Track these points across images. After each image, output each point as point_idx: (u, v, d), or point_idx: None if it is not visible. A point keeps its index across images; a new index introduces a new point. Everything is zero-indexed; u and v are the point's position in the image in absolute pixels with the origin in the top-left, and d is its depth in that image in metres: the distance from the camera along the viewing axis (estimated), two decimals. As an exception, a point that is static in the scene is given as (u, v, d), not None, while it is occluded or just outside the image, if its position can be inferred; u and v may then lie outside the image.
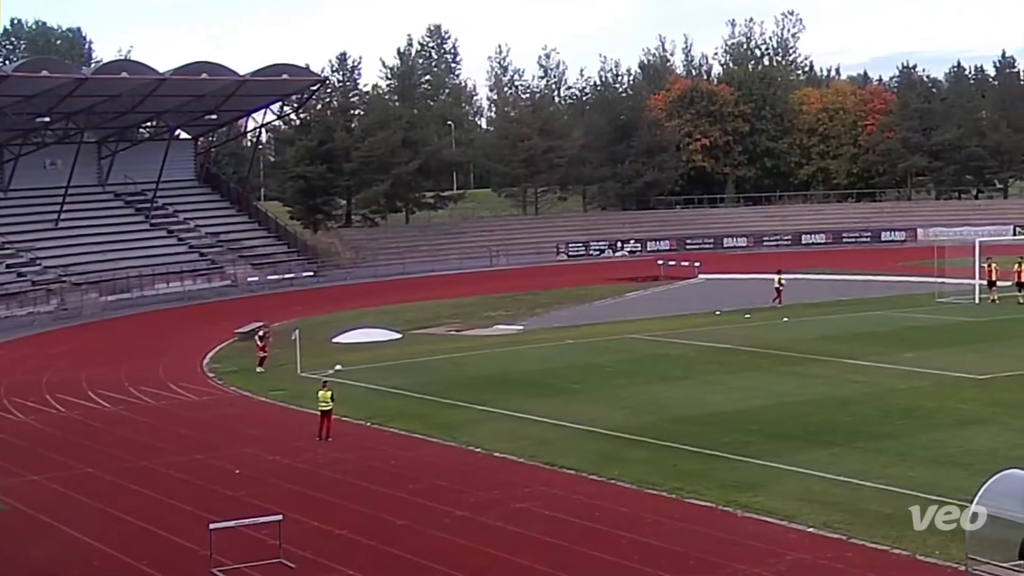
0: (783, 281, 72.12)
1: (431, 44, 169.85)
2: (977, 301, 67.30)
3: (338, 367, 52.53)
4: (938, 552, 25.44)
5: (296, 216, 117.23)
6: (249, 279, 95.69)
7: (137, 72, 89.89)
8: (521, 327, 66.46)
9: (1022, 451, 31.91)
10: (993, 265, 68.49)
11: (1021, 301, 65.06)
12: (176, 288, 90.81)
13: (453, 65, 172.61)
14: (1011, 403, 40.42)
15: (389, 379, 50.04)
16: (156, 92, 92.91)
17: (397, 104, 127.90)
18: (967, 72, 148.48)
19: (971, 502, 23.24)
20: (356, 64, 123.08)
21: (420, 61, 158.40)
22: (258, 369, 54.09)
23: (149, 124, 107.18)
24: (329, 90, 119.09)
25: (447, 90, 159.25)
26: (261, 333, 56.34)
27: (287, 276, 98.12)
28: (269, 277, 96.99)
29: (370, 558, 27.26)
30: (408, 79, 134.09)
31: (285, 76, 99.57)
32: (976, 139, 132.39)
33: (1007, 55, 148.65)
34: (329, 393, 39.59)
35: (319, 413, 39.75)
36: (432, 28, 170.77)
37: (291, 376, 51.69)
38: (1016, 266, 67.21)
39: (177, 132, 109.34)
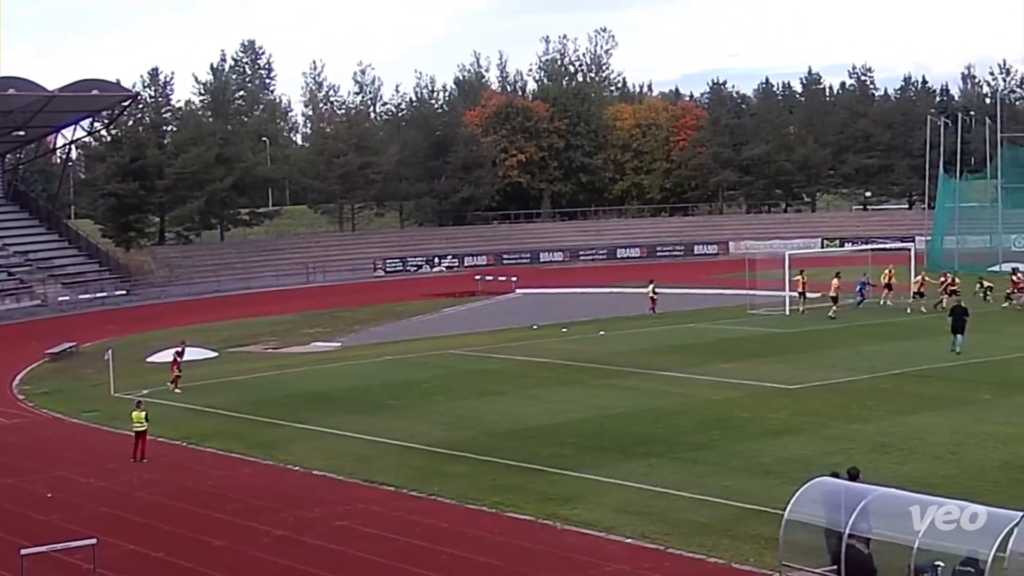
0: (656, 291, 73.60)
1: (245, 60, 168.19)
2: (788, 313, 68.71)
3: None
4: (753, 560, 25.93)
5: (108, 234, 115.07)
6: (60, 299, 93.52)
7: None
8: (339, 344, 66.13)
9: (832, 459, 32.58)
10: (804, 278, 69.90)
11: (832, 315, 66.34)
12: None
13: (267, 81, 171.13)
14: (820, 412, 41.35)
15: (205, 398, 49.37)
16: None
17: (211, 120, 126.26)
18: (775, 88, 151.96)
19: (784, 510, 23.71)
20: (168, 79, 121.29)
21: (234, 77, 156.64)
22: (175, 390, 51.09)
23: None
24: (141, 106, 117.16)
25: (261, 106, 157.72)
26: (180, 350, 54.03)
27: (99, 295, 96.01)
28: (80, 296, 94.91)
29: (188, 580, 26.90)
30: (222, 95, 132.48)
31: (95, 92, 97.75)
32: (784, 154, 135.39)
33: (813, 72, 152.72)
34: (143, 413, 38.89)
35: (134, 434, 39.07)
36: (246, 43, 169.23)
37: (104, 397, 50.68)
38: (834, 279, 68.28)
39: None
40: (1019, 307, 67.40)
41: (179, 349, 53.95)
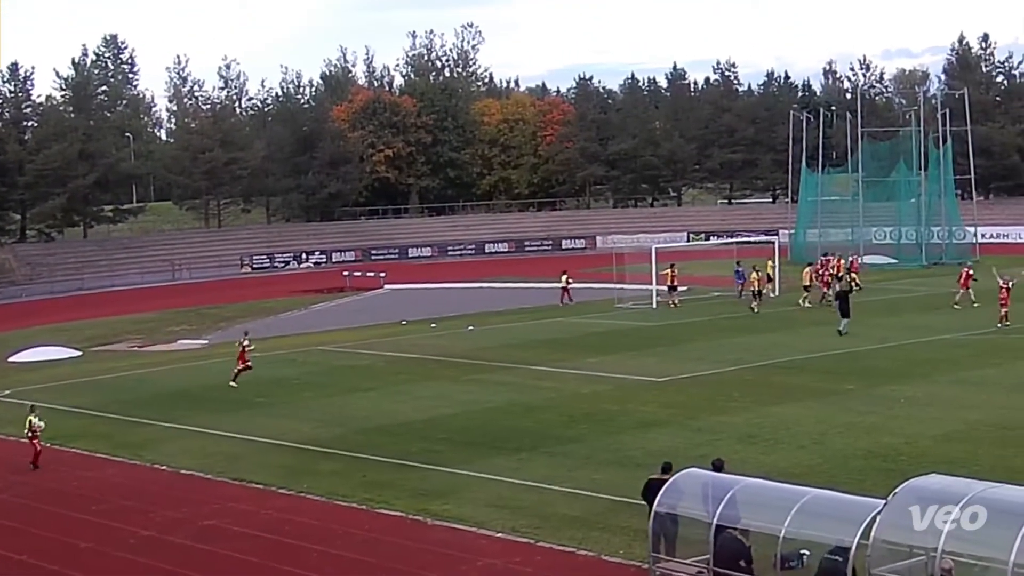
0: (570, 281, 74.18)
1: (107, 54, 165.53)
2: (655, 306, 69.28)
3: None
4: (622, 552, 26.13)
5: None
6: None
7: None
8: (206, 341, 65.50)
9: (700, 450, 32.97)
10: (673, 271, 70.45)
11: (755, 309, 65.90)
12: None
13: (131, 76, 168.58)
14: (687, 404, 41.76)
15: (69, 398, 48.56)
16: None
17: (72, 116, 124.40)
18: (641, 84, 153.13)
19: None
20: (28, 74, 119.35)
21: (96, 72, 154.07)
22: (232, 383, 49.25)
23: None
24: (0, 101, 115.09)
25: (125, 101, 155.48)
26: (246, 342, 50.93)
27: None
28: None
29: (53, 583, 26.49)
30: (84, 90, 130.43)
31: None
32: (650, 149, 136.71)
33: (678, 67, 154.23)
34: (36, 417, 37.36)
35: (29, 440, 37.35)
36: (108, 38, 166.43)
37: (-35, 398, 49.71)
38: (755, 273, 67.99)
39: None
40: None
41: (245, 342, 50.77)
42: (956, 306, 63.99)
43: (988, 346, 52.18)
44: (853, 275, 71.96)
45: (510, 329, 64.08)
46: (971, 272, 66.19)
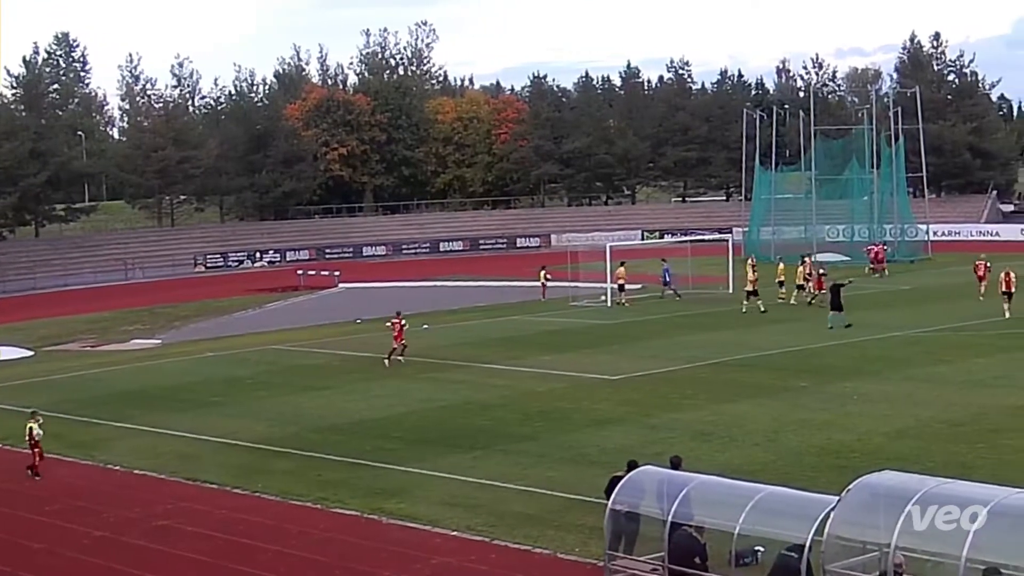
0: (548, 276, 74.73)
1: (59, 52, 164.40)
2: (610, 304, 69.41)
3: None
4: (578, 550, 26.15)
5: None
6: None
7: None
8: (159, 341, 65.20)
9: (655, 448, 33.07)
10: (624, 270, 70.55)
11: (745, 310, 64.22)
12: None
13: (83, 74, 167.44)
14: (641, 402, 41.84)
15: (21, 398, 48.11)
16: None
17: (24, 114, 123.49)
18: (595, 82, 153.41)
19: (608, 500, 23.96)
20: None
21: (47, 70, 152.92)
22: (387, 360, 51.71)
23: None
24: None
25: (77, 100, 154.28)
26: (400, 321, 53.03)
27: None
28: None
29: (5, 585, 26.33)
30: (35, 88, 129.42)
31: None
32: (605, 147, 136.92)
33: (632, 65, 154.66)
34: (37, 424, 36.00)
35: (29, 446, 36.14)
36: (60, 35, 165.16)
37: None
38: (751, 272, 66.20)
39: None
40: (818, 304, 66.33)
41: (398, 321, 52.96)
42: (981, 298, 64.06)
43: (941, 343, 52.48)
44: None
45: (465, 327, 64.08)
46: (988, 264, 66.48)
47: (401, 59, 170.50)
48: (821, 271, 67.24)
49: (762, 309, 63.45)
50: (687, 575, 22.60)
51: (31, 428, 35.77)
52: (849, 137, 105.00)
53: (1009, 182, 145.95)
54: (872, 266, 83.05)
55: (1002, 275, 59.58)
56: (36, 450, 35.70)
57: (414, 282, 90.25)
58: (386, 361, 51.71)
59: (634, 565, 23.78)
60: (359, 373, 50.83)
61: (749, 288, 64.79)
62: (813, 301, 65.49)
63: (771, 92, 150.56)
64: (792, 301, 66.45)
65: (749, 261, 68.44)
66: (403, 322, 52.90)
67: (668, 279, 72.09)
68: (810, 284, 67.06)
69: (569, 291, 73.23)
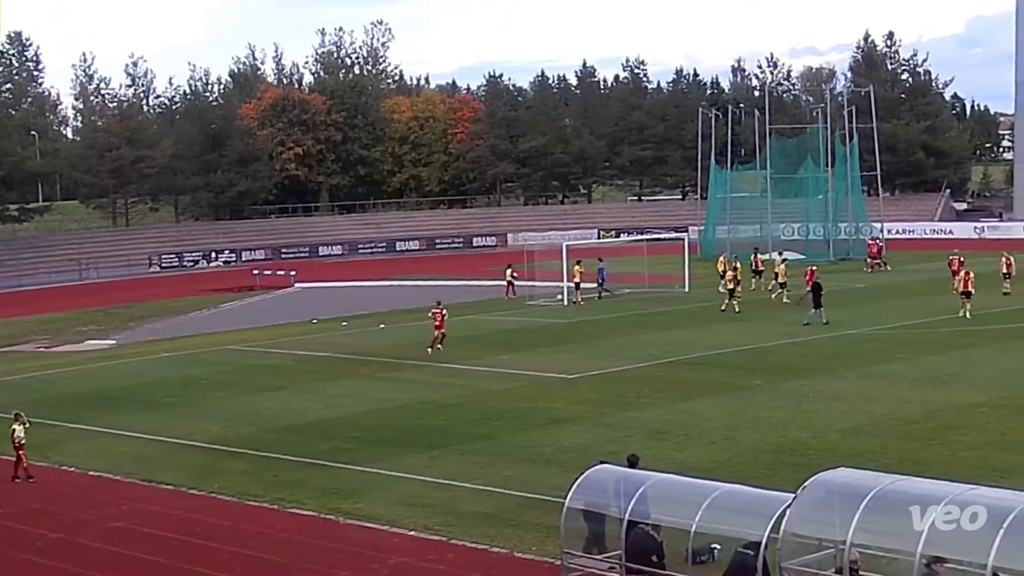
0: (514, 274, 74.81)
1: (11, 51, 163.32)
2: (566, 303, 69.51)
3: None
4: (535, 548, 26.19)
5: None
6: None
7: None
8: (114, 341, 64.91)
9: (611, 446, 33.11)
10: (580, 268, 70.70)
11: (724, 309, 63.81)
12: None
13: (36, 73, 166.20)
14: (597, 401, 41.94)
15: (-26, 400, 47.92)
16: None
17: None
18: (551, 81, 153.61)
19: (564, 498, 23.99)
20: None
21: (0, 69, 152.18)
22: (430, 349, 53.47)
23: None
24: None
25: (30, 99, 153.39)
26: (440, 311, 54.38)
27: None
28: None
29: (-42, 588, 26.15)
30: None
31: None
32: (561, 146, 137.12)
33: (588, 65, 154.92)
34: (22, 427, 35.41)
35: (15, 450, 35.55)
36: (12, 35, 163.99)
37: None
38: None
39: None
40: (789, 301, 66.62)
41: (440, 311, 54.51)
42: (954, 291, 63.23)
43: (894, 341, 52.77)
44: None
45: (422, 327, 63.75)
46: (961, 259, 66.47)
47: (357, 58, 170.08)
48: (812, 267, 66.74)
49: (737, 310, 63.50)
50: (644, 573, 22.67)
51: (14, 430, 35.19)
52: (804, 136, 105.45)
53: (962, 180, 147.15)
54: (869, 261, 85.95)
55: (962, 274, 59.82)
56: (20, 452, 35.12)
57: (371, 282, 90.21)
58: (429, 350, 53.20)
59: (591, 563, 23.82)
60: (315, 373, 50.72)
61: (730, 286, 64.77)
62: (777, 297, 66.32)
63: (726, 91, 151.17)
64: (785, 300, 66.26)
65: (726, 260, 69.19)
66: (444, 311, 54.39)
67: (603, 279, 72.23)
68: (776, 282, 67.73)
69: (526, 290, 73.31)
